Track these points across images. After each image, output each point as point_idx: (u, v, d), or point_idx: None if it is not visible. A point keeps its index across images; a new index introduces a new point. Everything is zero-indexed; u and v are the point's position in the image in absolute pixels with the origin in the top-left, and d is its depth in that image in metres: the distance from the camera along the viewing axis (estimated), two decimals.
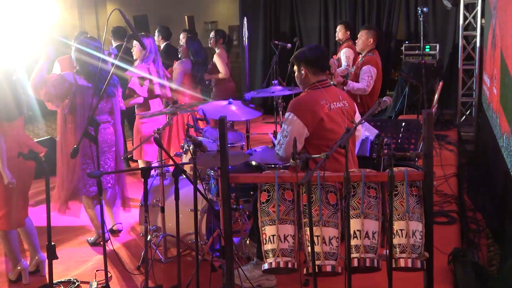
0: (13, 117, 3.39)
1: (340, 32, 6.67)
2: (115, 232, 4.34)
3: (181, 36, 6.50)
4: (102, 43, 3.31)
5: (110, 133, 4.03)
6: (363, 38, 5.53)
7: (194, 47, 5.63)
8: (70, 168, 3.93)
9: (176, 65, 5.67)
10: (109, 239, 4.02)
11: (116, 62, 3.28)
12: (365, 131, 3.94)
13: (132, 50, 5.05)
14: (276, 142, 3.40)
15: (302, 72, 3.35)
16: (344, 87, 5.38)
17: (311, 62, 3.32)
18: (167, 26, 7.04)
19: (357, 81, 5.41)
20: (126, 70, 4.83)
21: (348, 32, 6.64)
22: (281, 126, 3.35)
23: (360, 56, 5.72)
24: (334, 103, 3.31)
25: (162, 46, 6.73)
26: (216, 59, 6.48)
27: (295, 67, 3.41)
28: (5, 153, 3.30)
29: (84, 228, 4.54)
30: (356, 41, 5.75)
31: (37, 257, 3.67)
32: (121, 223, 4.42)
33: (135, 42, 4.89)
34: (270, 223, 2.67)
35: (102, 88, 3.75)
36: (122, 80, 5.12)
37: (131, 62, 5.08)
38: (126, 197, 4.27)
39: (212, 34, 6.67)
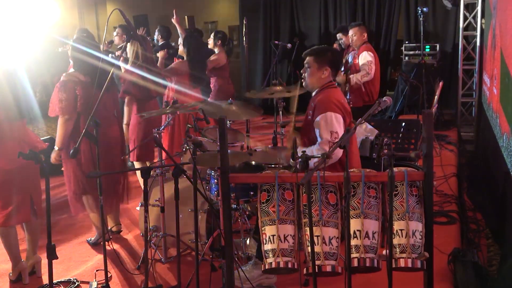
0: (14, 118, 3.39)
1: (344, 38, 6.64)
2: (115, 233, 4.33)
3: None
4: (102, 43, 3.31)
5: (116, 130, 4.03)
6: (358, 34, 5.78)
7: (187, 45, 5.57)
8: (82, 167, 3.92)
9: (175, 63, 5.65)
10: (111, 238, 4.02)
11: (117, 62, 3.28)
12: (364, 131, 3.95)
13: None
14: (317, 145, 3.19)
15: (325, 72, 3.28)
16: (350, 84, 5.45)
17: (336, 63, 3.32)
18: (167, 26, 7.08)
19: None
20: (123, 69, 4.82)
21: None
22: (281, 126, 3.34)
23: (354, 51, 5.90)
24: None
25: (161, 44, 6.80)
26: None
27: (314, 64, 3.29)
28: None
29: (84, 228, 4.53)
30: (349, 39, 5.94)
31: (33, 258, 3.64)
32: (120, 224, 4.41)
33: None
34: (270, 223, 2.67)
35: (101, 85, 3.76)
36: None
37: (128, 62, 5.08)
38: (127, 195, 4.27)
39: (211, 35, 6.60)
